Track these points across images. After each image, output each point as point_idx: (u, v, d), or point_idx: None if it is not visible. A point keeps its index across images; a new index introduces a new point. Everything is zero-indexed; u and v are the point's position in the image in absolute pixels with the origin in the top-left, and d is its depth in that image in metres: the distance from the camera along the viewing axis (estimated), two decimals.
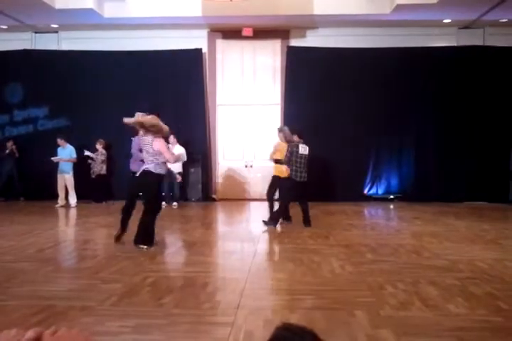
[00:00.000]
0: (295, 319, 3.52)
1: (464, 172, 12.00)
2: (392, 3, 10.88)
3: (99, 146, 11.82)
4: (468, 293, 4.26)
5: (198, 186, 12.60)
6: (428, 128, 12.24)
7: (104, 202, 11.81)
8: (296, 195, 8.27)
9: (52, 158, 11.12)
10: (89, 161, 11.79)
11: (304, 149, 8.22)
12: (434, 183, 12.15)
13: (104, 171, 11.90)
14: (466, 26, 12.29)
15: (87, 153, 11.65)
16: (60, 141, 11.27)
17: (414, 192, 12.16)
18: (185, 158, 11.49)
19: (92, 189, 11.86)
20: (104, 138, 11.83)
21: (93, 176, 11.87)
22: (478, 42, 12.26)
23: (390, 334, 3.27)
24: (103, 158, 11.83)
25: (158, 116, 6.53)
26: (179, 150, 11.39)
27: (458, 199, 11.82)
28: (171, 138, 11.33)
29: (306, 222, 8.28)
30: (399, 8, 10.74)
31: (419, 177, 12.26)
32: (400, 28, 12.27)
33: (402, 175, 12.46)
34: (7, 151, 12.21)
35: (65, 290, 4.38)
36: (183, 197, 12.17)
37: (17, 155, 12.34)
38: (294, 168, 8.12)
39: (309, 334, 1.06)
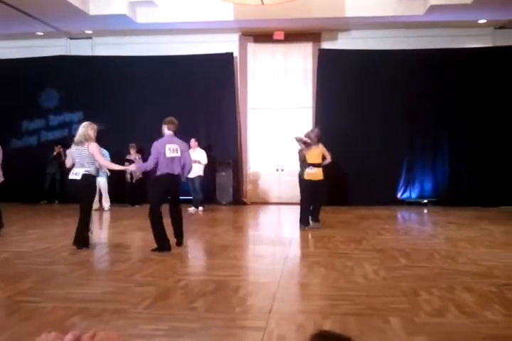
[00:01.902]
0: (328, 325, 3.49)
1: (500, 175, 11.71)
2: (425, 4, 10.72)
3: (133, 151, 11.94)
4: (506, 299, 4.15)
5: (229, 189, 12.61)
6: (463, 130, 12.00)
7: (136, 206, 11.93)
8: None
9: None
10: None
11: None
12: (469, 187, 11.89)
13: (141, 175, 12.07)
14: (502, 26, 12.03)
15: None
16: None
17: (449, 197, 11.93)
18: (204, 161, 11.44)
19: (131, 193, 12.03)
20: (137, 142, 11.94)
21: (133, 181, 12.03)
22: None
23: None
24: (140, 162, 11.97)
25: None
26: (200, 153, 11.37)
27: (494, 204, 11.53)
28: (192, 142, 11.32)
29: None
30: (432, 9, 10.57)
31: (454, 181, 12.03)
32: (434, 30, 12.08)
33: (436, 179, 12.24)
34: (54, 153, 12.50)
35: (99, 292, 4.43)
36: (213, 201, 12.25)
37: (63, 158, 12.56)
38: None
39: None
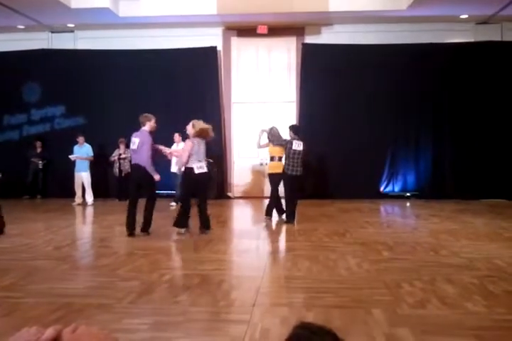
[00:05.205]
0: (312, 317, 3.51)
1: (482, 169, 11.83)
2: None
3: (122, 146, 11.83)
4: (487, 291, 4.21)
5: (214, 184, 12.58)
6: (445, 125, 12.10)
7: (119, 200, 11.85)
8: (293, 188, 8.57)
9: (70, 156, 11.22)
10: (121, 161, 11.89)
11: (297, 145, 8.38)
12: (452, 181, 12.01)
13: (129, 169, 12.00)
14: (484, 21, 12.12)
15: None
16: (80, 138, 11.37)
17: (431, 190, 12.03)
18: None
19: (119, 187, 11.96)
20: (120, 136, 11.85)
21: (122, 175, 11.94)
22: (496, 37, 12.07)
23: (407, 332, 3.24)
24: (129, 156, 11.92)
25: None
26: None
27: (476, 197, 11.67)
28: (176, 137, 11.23)
29: (287, 215, 8.46)
30: (415, 3, 10.61)
31: (436, 175, 12.13)
32: (417, 24, 12.13)
33: (419, 173, 12.33)
34: (38, 151, 12.40)
35: (83, 287, 4.41)
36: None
37: (40, 153, 12.46)
38: (287, 162, 8.37)
39: (328, 333, 1.04)
